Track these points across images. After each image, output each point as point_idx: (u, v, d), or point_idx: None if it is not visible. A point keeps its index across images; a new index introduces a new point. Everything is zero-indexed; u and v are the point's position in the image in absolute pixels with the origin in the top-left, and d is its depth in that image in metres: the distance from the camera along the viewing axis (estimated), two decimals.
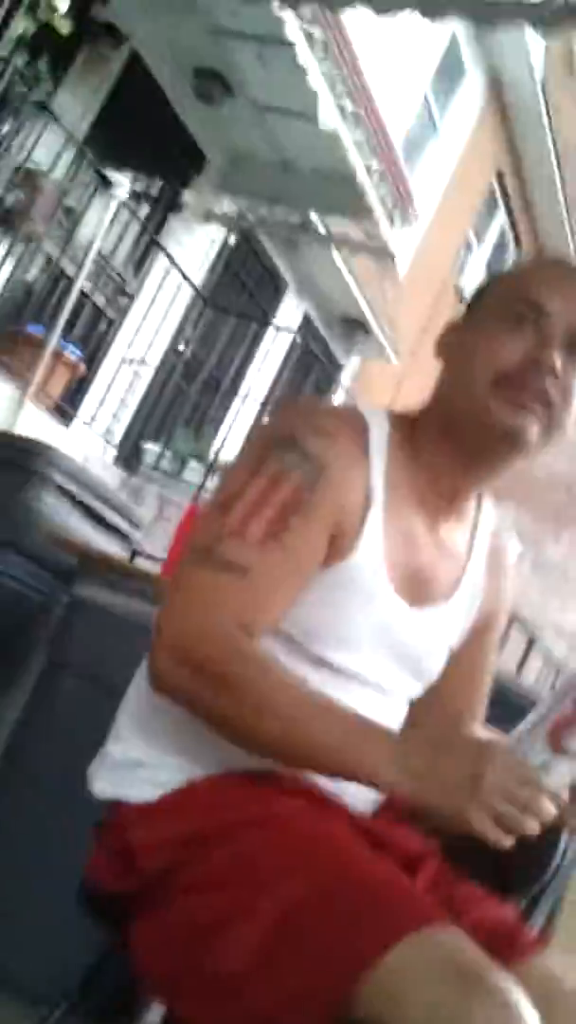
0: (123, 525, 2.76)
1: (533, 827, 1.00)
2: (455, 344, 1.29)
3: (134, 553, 3.26)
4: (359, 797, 1.23)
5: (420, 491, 1.26)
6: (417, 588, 1.25)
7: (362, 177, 6.98)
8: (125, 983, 2.10)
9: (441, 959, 0.98)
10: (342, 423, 1.23)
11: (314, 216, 7.88)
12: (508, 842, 1.00)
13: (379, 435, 1.24)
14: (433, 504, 1.27)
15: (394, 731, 1.14)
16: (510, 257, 12.30)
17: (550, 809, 1.01)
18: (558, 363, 1.21)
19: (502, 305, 1.25)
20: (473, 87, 10.33)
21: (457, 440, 1.25)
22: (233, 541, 1.12)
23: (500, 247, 12.27)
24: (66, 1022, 1.27)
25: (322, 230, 8.01)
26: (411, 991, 0.95)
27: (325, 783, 1.20)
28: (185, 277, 7.11)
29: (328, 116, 6.48)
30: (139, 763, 1.21)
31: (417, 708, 1.34)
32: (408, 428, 1.28)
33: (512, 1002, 0.96)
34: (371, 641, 1.22)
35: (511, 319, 1.23)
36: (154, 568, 2.61)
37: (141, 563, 3.06)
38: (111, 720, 1.30)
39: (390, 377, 9.94)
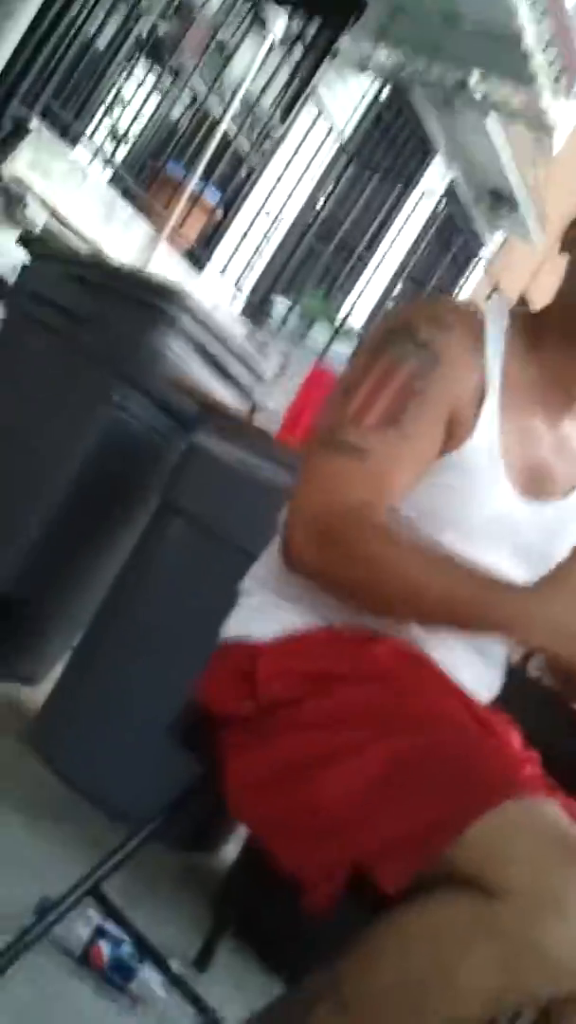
0: (246, 378, 2.74)
1: None
2: None
3: (253, 407, 3.26)
4: (479, 683, 1.27)
5: (540, 388, 1.26)
6: (533, 481, 1.25)
7: (530, 39, 6.60)
8: (206, 816, 2.22)
9: (547, 826, 0.99)
10: (458, 315, 1.24)
11: (473, 77, 7.50)
12: None
13: (496, 329, 1.24)
14: (554, 402, 1.27)
15: (528, 584, 1.14)
16: None
17: None
18: None
19: None
20: None
21: None
22: (352, 426, 1.17)
23: None
24: (148, 844, 1.33)
25: (480, 92, 7.63)
26: (517, 851, 0.96)
27: (450, 664, 1.23)
28: (332, 128, 6.88)
29: None
30: (271, 605, 1.25)
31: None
32: (530, 324, 1.27)
33: None
34: (487, 530, 1.23)
35: None
36: (271, 424, 2.61)
37: (259, 418, 3.07)
38: (213, 564, 1.32)
39: (531, 259, 9.57)
